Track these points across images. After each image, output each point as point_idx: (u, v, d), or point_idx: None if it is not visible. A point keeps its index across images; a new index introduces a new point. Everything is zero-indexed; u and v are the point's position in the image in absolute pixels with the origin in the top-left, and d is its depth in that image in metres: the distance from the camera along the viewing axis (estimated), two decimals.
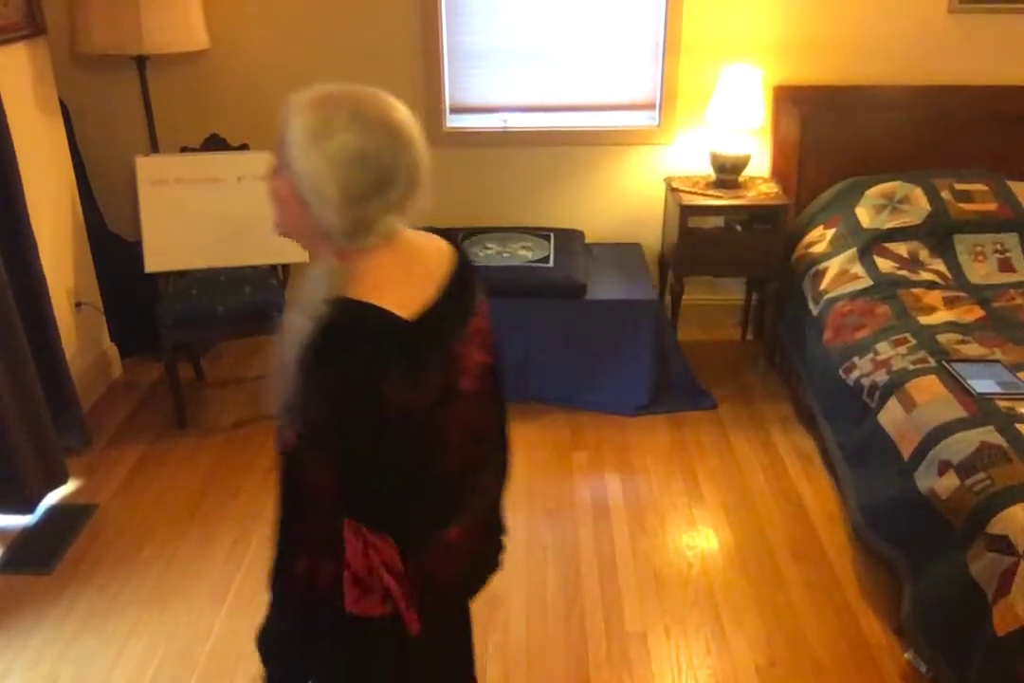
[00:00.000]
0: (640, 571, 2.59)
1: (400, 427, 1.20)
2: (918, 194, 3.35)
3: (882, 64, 3.59)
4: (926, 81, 3.59)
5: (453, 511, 1.38)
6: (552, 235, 3.67)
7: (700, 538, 2.74)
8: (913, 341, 2.77)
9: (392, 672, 1.36)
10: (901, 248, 3.26)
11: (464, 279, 1.34)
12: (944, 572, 2.15)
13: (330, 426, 1.17)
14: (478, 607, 2.43)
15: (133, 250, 3.33)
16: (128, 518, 2.83)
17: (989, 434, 2.25)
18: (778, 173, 3.73)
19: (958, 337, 2.78)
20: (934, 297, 3.04)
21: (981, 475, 2.15)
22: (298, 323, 1.17)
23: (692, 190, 3.54)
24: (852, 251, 3.27)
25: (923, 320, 2.89)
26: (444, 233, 1.42)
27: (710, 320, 4.03)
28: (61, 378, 2.98)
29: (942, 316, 2.92)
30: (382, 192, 1.21)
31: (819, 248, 3.40)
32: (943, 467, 2.26)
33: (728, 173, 3.55)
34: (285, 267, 3.39)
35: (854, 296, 3.10)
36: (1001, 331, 2.82)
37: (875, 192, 3.41)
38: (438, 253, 1.35)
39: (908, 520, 2.35)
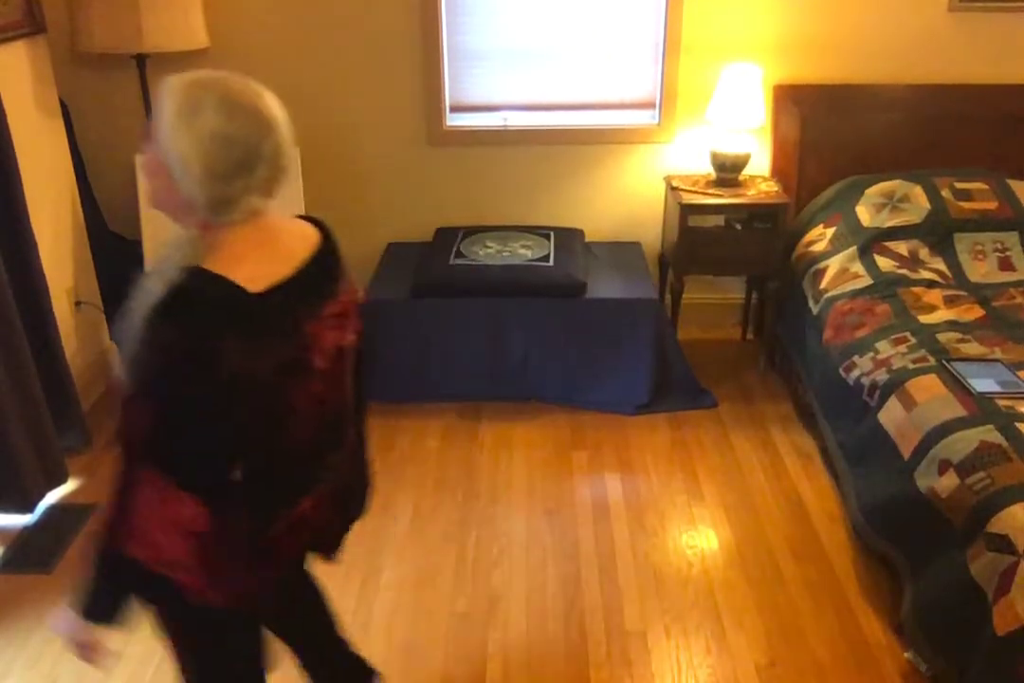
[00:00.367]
0: (640, 571, 2.59)
1: (242, 394, 1.29)
2: (918, 193, 3.35)
3: (882, 63, 3.59)
4: (926, 80, 3.59)
5: (304, 485, 1.49)
6: (552, 234, 3.67)
7: (700, 537, 2.74)
8: (913, 340, 2.77)
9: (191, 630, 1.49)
10: (901, 247, 3.26)
11: (325, 264, 1.45)
12: (944, 571, 2.15)
13: (157, 377, 1.26)
14: (478, 607, 2.45)
15: (133, 249, 3.32)
16: None
17: (989, 433, 2.25)
18: (778, 172, 3.73)
19: (958, 336, 2.78)
20: (934, 296, 3.04)
21: (981, 474, 2.15)
22: (152, 286, 1.26)
23: (692, 189, 3.54)
24: (852, 250, 3.27)
25: (923, 319, 2.89)
26: (316, 221, 1.52)
27: (710, 319, 4.03)
28: (61, 377, 2.98)
29: (942, 315, 2.92)
30: (245, 173, 1.30)
31: (819, 247, 3.40)
32: (943, 466, 2.26)
33: (728, 172, 3.55)
34: None
35: (854, 295, 3.10)
36: (1001, 330, 2.82)
37: (875, 191, 3.41)
38: (302, 237, 1.44)
39: (908, 519, 2.35)
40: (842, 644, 2.32)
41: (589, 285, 3.37)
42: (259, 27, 3.53)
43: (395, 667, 2.26)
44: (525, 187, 3.84)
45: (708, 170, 3.64)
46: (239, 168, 1.29)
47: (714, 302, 4.03)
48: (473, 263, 3.42)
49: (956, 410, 2.38)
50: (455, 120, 3.75)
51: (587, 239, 3.77)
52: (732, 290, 4.02)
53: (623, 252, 3.76)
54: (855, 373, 2.77)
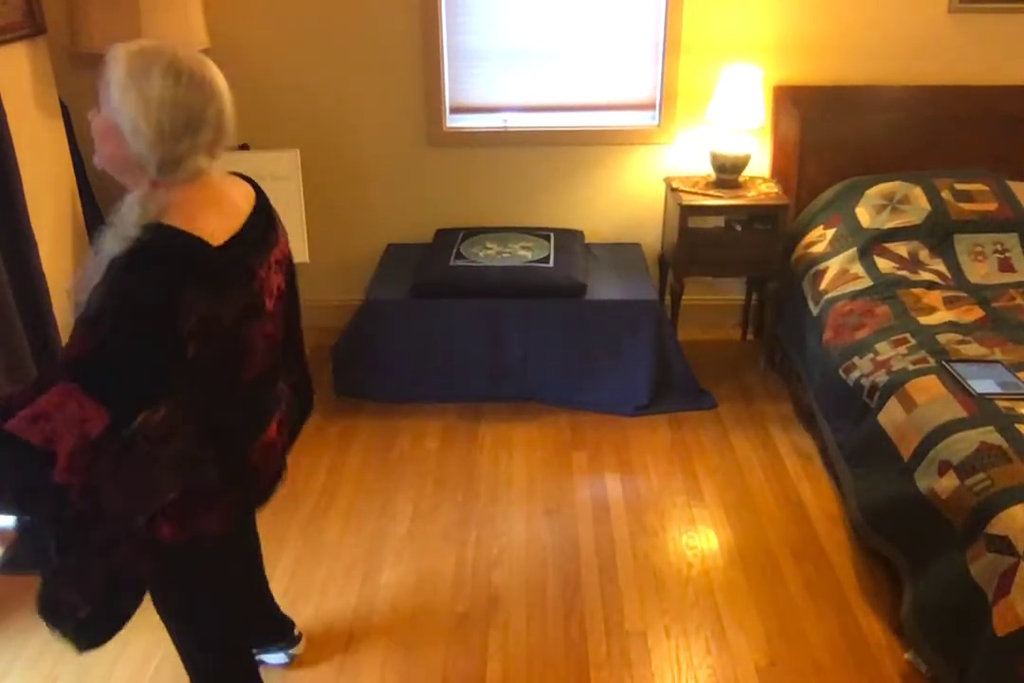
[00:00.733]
0: (640, 571, 2.59)
1: (209, 335, 1.41)
2: (918, 194, 3.35)
3: (882, 64, 3.59)
4: (926, 81, 3.59)
5: (267, 412, 1.70)
6: (552, 235, 3.68)
7: (700, 538, 2.74)
8: (913, 341, 2.77)
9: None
10: (901, 248, 3.26)
11: (265, 215, 1.59)
12: (944, 572, 2.16)
13: (110, 314, 1.35)
14: (478, 607, 2.45)
15: None
16: None
17: (989, 434, 2.25)
18: (778, 173, 3.73)
19: (958, 337, 2.78)
20: (934, 297, 3.04)
21: (981, 475, 2.15)
22: (112, 243, 1.37)
23: (692, 190, 3.54)
24: (852, 251, 3.28)
25: (923, 320, 2.89)
26: (243, 177, 1.65)
27: (710, 320, 4.03)
28: None
29: (942, 316, 2.93)
30: (192, 134, 1.41)
31: (819, 248, 3.40)
32: (943, 467, 2.26)
33: (728, 173, 3.55)
34: None
35: (854, 296, 3.10)
36: (1001, 331, 2.82)
37: (875, 192, 3.41)
38: (243, 193, 1.57)
39: (908, 520, 2.35)
40: (842, 644, 2.32)
41: (589, 286, 3.37)
42: (259, 27, 3.53)
43: (395, 667, 2.26)
44: (525, 188, 3.84)
45: (708, 171, 3.64)
46: (186, 130, 1.40)
47: (714, 303, 4.03)
48: (473, 264, 3.42)
49: (956, 411, 2.38)
50: (455, 121, 3.75)
51: (587, 240, 3.77)
52: (732, 291, 4.02)
53: (623, 253, 3.76)
54: (855, 374, 2.78)
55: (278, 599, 2.47)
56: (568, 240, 3.64)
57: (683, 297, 3.63)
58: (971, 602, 2.02)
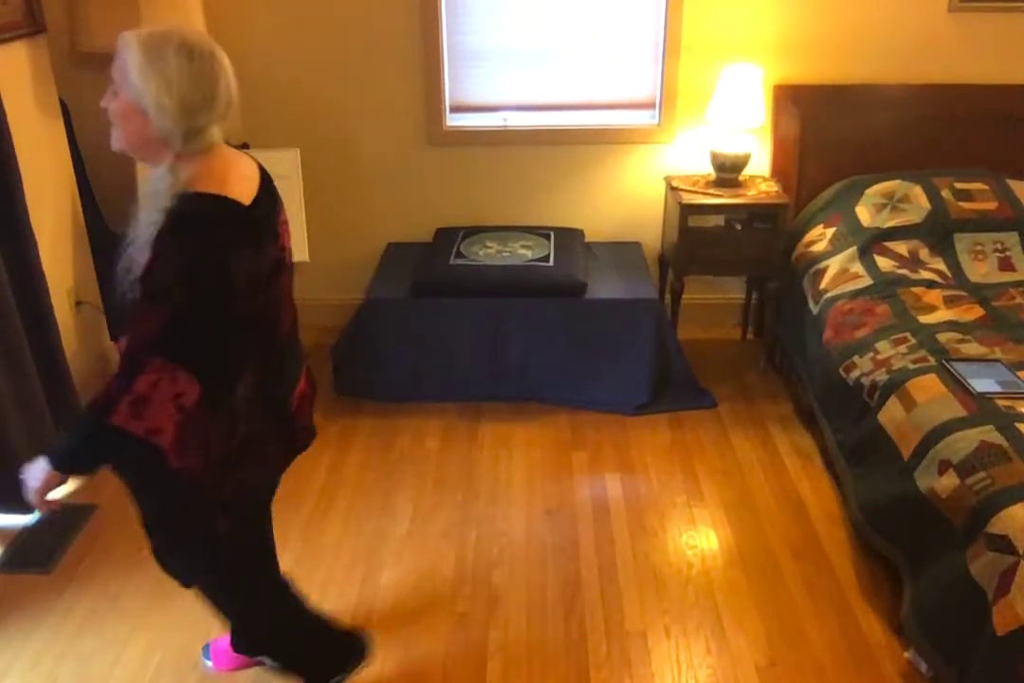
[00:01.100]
0: (640, 571, 2.59)
1: (254, 290, 1.56)
2: (918, 193, 3.35)
3: (882, 63, 3.59)
4: (926, 80, 3.59)
5: (297, 365, 1.83)
6: (552, 234, 3.68)
7: (700, 537, 2.74)
8: (913, 340, 2.77)
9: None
10: (901, 247, 3.26)
11: (268, 179, 1.69)
12: (944, 572, 2.15)
13: (177, 284, 1.46)
14: (478, 607, 2.45)
15: None
16: (128, 518, 2.80)
17: (989, 433, 2.25)
18: (778, 172, 3.73)
19: (958, 336, 2.78)
20: (934, 296, 3.04)
21: (981, 474, 2.15)
22: (150, 216, 1.48)
23: (692, 189, 3.54)
24: (852, 250, 3.27)
25: (923, 319, 2.89)
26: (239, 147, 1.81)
27: (710, 319, 4.03)
28: (61, 378, 2.98)
29: (942, 315, 2.92)
30: (209, 106, 1.52)
31: (819, 247, 3.40)
32: (943, 466, 2.26)
33: (728, 172, 3.55)
34: None
35: (854, 295, 3.10)
36: (1001, 330, 2.82)
37: (875, 191, 3.41)
38: (248, 161, 1.67)
39: (908, 519, 2.35)
40: (842, 644, 2.32)
41: (589, 285, 3.37)
42: (259, 27, 3.53)
43: (395, 667, 2.26)
44: (525, 187, 3.84)
45: (708, 170, 3.64)
46: (204, 102, 1.50)
47: (714, 302, 4.03)
48: (473, 263, 3.42)
49: (956, 410, 2.38)
50: (455, 120, 3.75)
51: (587, 239, 3.77)
52: (732, 290, 4.02)
53: (623, 252, 3.76)
54: (855, 373, 2.77)
55: None
56: (568, 239, 3.64)
57: (683, 296, 3.63)
58: (971, 601, 2.02)
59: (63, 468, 1.63)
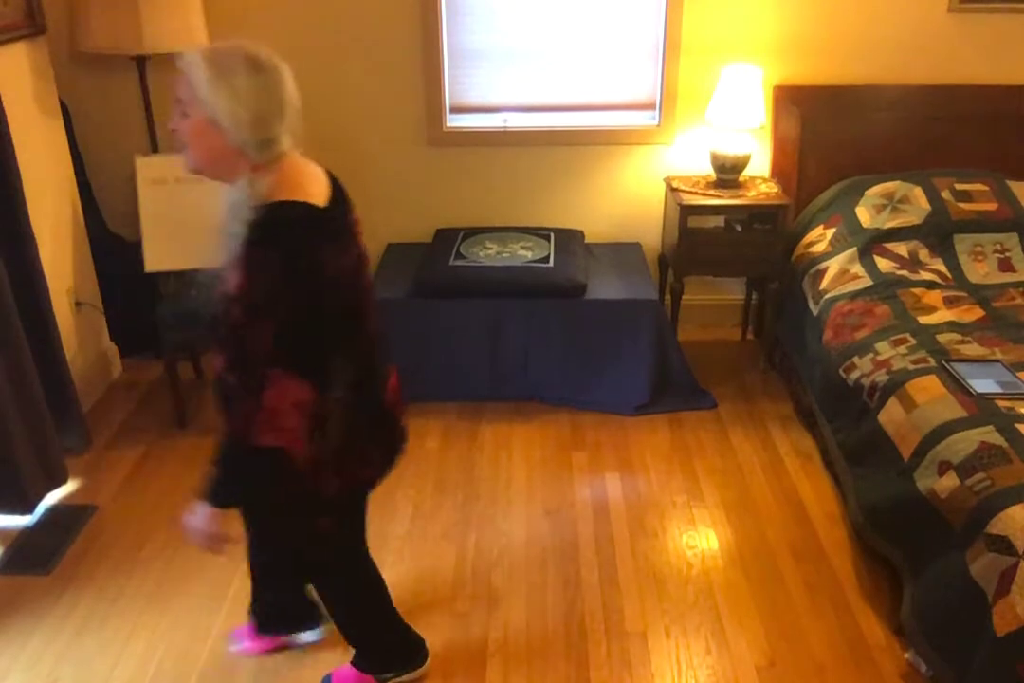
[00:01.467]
0: (640, 571, 2.59)
1: (339, 289, 1.63)
2: (918, 194, 3.35)
3: (882, 64, 3.59)
4: (926, 81, 3.59)
5: (386, 359, 1.86)
6: (552, 235, 3.68)
7: (700, 538, 2.74)
8: (913, 341, 2.77)
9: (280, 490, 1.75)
10: (901, 248, 3.26)
11: (336, 181, 1.75)
12: (944, 572, 2.15)
13: (276, 297, 1.52)
14: (478, 607, 2.45)
15: (133, 250, 3.32)
16: (128, 518, 2.83)
17: (989, 434, 2.25)
18: (778, 173, 3.73)
19: (958, 337, 2.78)
20: (934, 297, 3.04)
21: (981, 475, 2.15)
22: (237, 228, 1.53)
23: (692, 190, 3.54)
24: (852, 251, 3.27)
25: (923, 320, 2.89)
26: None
27: (710, 320, 4.03)
28: (61, 378, 2.98)
29: (942, 316, 2.93)
30: (279, 115, 1.57)
31: (819, 248, 3.40)
32: (943, 467, 2.26)
33: (728, 173, 3.55)
34: None
35: (854, 296, 3.10)
36: (1001, 331, 2.82)
37: (875, 192, 3.41)
38: (315, 166, 1.72)
39: (908, 520, 2.35)
40: (842, 644, 2.32)
41: (589, 286, 3.37)
42: (259, 27, 3.53)
43: None
44: (525, 188, 3.84)
45: (708, 171, 3.64)
46: (275, 111, 1.56)
47: (714, 303, 4.03)
48: (473, 264, 3.42)
49: (956, 411, 2.38)
50: (455, 121, 3.75)
51: (587, 240, 3.77)
52: (732, 291, 4.02)
53: (623, 253, 3.76)
54: (855, 374, 2.77)
55: None
56: (568, 240, 3.64)
57: (683, 297, 3.63)
58: (971, 602, 2.02)
59: (223, 504, 1.70)
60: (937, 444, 2.32)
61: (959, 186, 3.37)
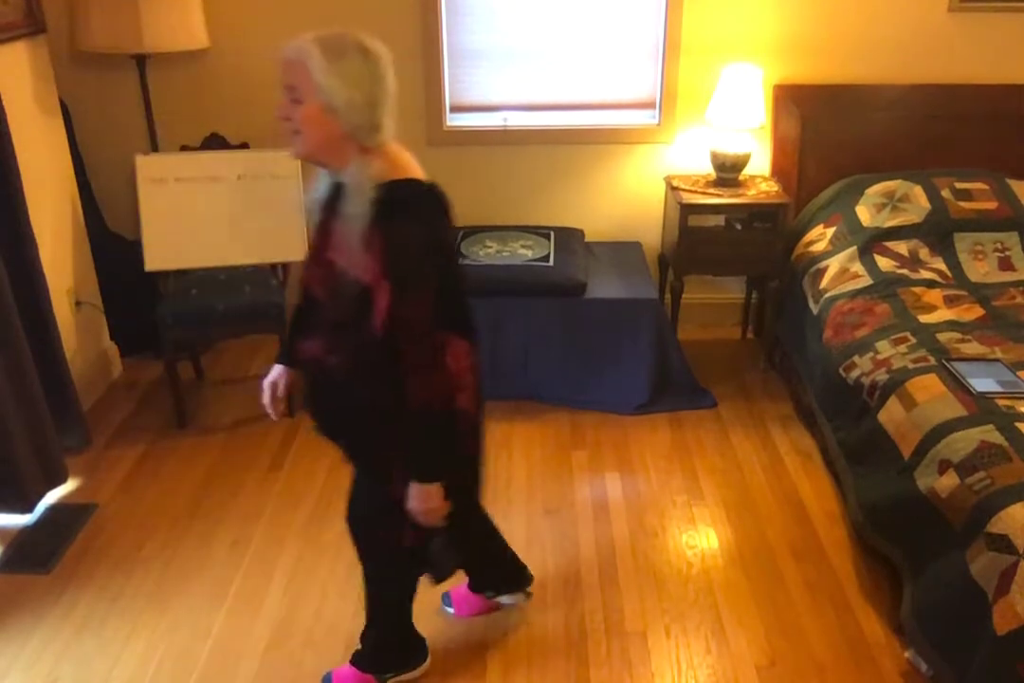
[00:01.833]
0: (640, 571, 2.59)
1: (452, 257, 1.81)
2: (918, 193, 3.35)
3: (882, 63, 3.59)
4: (926, 80, 3.59)
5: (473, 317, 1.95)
6: (552, 234, 3.67)
7: (700, 537, 2.74)
8: (913, 340, 2.77)
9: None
10: (901, 247, 3.26)
11: None
12: (944, 571, 2.15)
13: (424, 267, 1.65)
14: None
15: (133, 249, 3.33)
16: (128, 518, 2.83)
17: (989, 433, 2.25)
18: (778, 172, 3.73)
19: (958, 336, 2.78)
20: (934, 296, 3.04)
21: (981, 474, 2.15)
22: (357, 209, 1.62)
23: (692, 189, 3.54)
24: (852, 250, 3.27)
25: (923, 319, 2.89)
26: None
27: (710, 319, 4.03)
28: (61, 377, 2.98)
29: (942, 315, 2.92)
30: (384, 100, 1.64)
31: (819, 247, 3.40)
32: (943, 466, 2.26)
33: (728, 172, 3.55)
34: (285, 266, 3.38)
35: (854, 295, 3.10)
36: (1001, 330, 2.82)
37: (875, 191, 3.41)
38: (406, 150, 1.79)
39: (908, 519, 2.35)
40: (842, 644, 2.32)
41: (589, 285, 3.37)
42: (259, 27, 3.53)
43: None
44: (525, 187, 3.84)
45: (708, 170, 3.64)
46: (381, 97, 1.63)
47: (714, 302, 4.03)
48: (473, 263, 3.41)
49: (956, 410, 2.38)
50: (455, 120, 3.75)
51: (587, 239, 3.77)
52: (732, 290, 4.02)
53: (623, 252, 3.76)
54: (855, 373, 2.77)
55: (279, 598, 2.47)
56: (568, 239, 3.64)
57: (683, 296, 3.62)
58: (971, 601, 2.02)
59: (437, 478, 1.76)
60: (937, 443, 2.32)
61: (959, 185, 3.37)
